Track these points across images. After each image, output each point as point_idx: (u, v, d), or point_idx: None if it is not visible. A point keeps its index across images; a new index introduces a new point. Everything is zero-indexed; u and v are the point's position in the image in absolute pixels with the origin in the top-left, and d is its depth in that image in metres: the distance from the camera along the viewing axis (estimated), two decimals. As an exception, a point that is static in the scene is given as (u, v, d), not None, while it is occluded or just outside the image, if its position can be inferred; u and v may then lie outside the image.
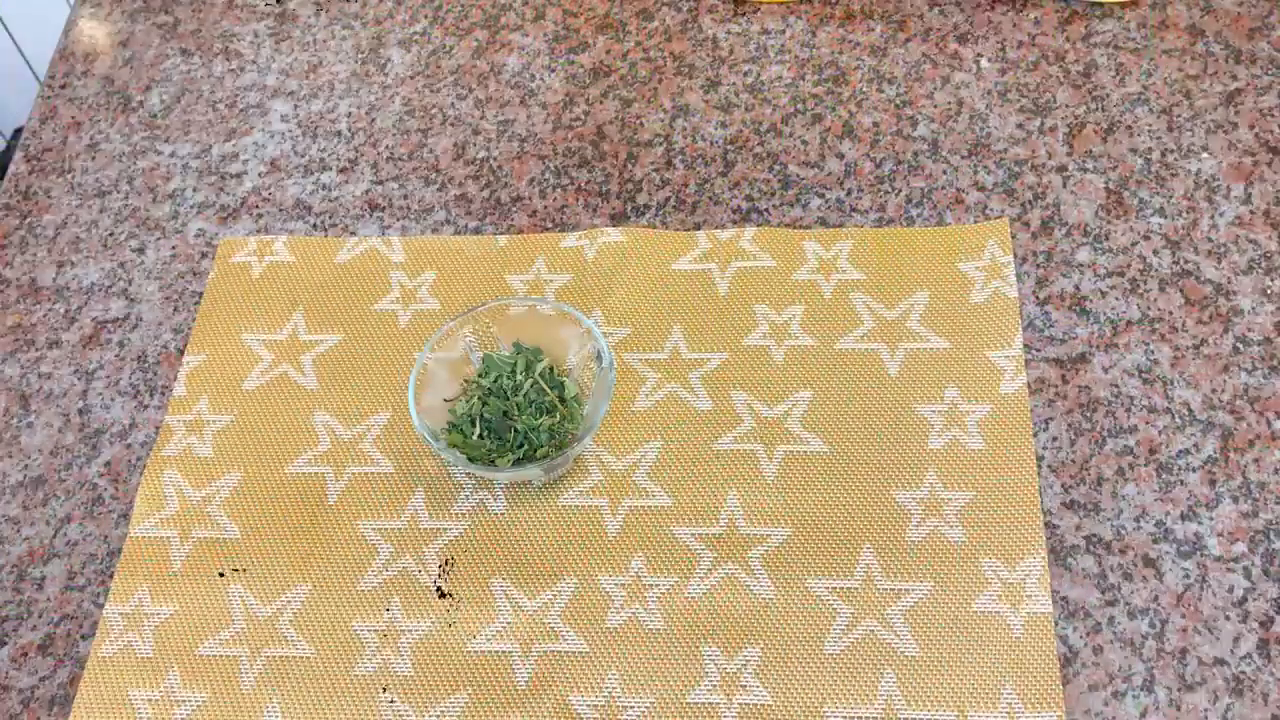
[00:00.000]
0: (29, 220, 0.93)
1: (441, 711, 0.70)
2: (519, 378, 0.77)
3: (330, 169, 0.93)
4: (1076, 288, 0.81)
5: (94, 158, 0.96)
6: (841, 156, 0.88)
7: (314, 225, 0.90)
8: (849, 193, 0.87)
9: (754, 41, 0.95)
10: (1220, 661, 0.67)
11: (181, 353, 0.85)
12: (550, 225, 0.88)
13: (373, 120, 0.95)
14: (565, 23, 0.99)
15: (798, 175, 0.88)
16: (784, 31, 0.96)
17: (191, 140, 0.96)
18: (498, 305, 0.79)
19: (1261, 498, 0.72)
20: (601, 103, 0.94)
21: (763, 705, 0.68)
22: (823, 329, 0.81)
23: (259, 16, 1.03)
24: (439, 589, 0.74)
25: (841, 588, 0.72)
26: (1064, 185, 0.85)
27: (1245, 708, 0.66)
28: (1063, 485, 0.74)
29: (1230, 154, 0.85)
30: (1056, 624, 0.69)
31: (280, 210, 0.91)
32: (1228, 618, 0.69)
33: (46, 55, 1.59)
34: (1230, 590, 0.69)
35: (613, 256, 0.85)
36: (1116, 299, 0.80)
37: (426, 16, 1.01)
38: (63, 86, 1.01)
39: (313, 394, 0.82)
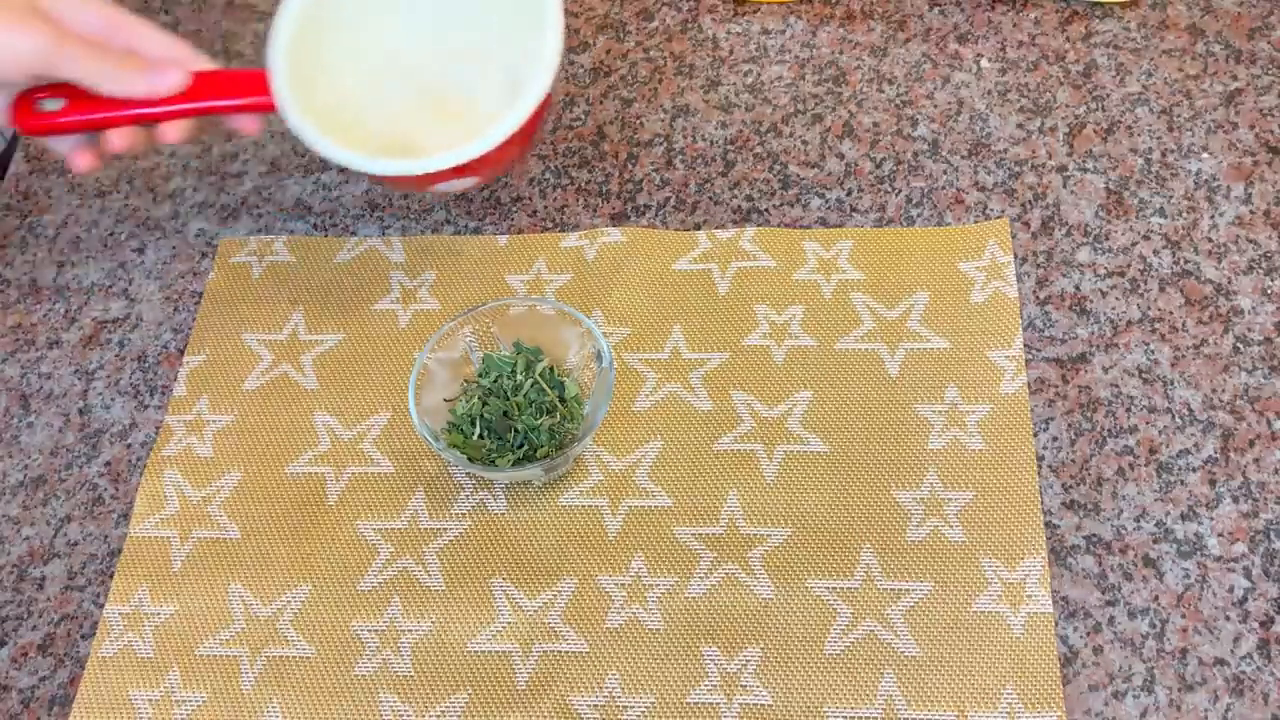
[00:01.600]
0: (29, 220, 0.93)
1: (441, 711, 0.70)
2: (519, 378, 0.77)
3: (330, 169, 0.93)
4: (1077, 288, 0.81)
5: (94, 158, 0.96)
6: (841, 156, 0.88)
7: (314, 225, 0.90)
8: (849, 193, 0.87)
9: (754, 41, 0.95)
10: (1220, 661, 0.67)
11: (181, 353, 0.85)
12: (550, 225, 0.88)
13: (373, 120, 0.95)
14: (565, 23, 0.99)
15: (798, 175, 0.88)
16: (784, 31, 0.96)
17: (191, 140, 0.96)
18: (498, 305, 0.79)
19: (1261, 498, 0.72)
20: (601, 103, 0.94)
21: (763, 705, 0.68)
22: (823, 329, 0.81)
23: (259, 16, 1.03)
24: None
25: (841, 588, 0.72)
26: (1064, 185, 0.85)
27: (1245, 708, 0.66)
28: (1063, 485, 0.74)
29: (1230, 154, 0.85)
30: (1056, 624, 0.69)
31: (280, 210, 0.91)
32: (1228, 618, 0.69)
33: (46, 55, 1.59)
34: (1230, 590, 0.69)
35: (613, 256, 0.85)
36: (1116, 299, 0.80)
37: (426, 16, 1.01)
38: (63, 86, 1.01)
39: (313, 394, 0.82)
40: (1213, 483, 0.73)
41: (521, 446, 0.75)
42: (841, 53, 0.94)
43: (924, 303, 0.81)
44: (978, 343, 0.79)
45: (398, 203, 0.90)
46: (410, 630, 0.73)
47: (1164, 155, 0.86)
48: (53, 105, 0.69)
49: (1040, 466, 0.74)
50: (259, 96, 0.72)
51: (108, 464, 0.81)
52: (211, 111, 0.72)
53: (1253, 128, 0.86)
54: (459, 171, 0.71)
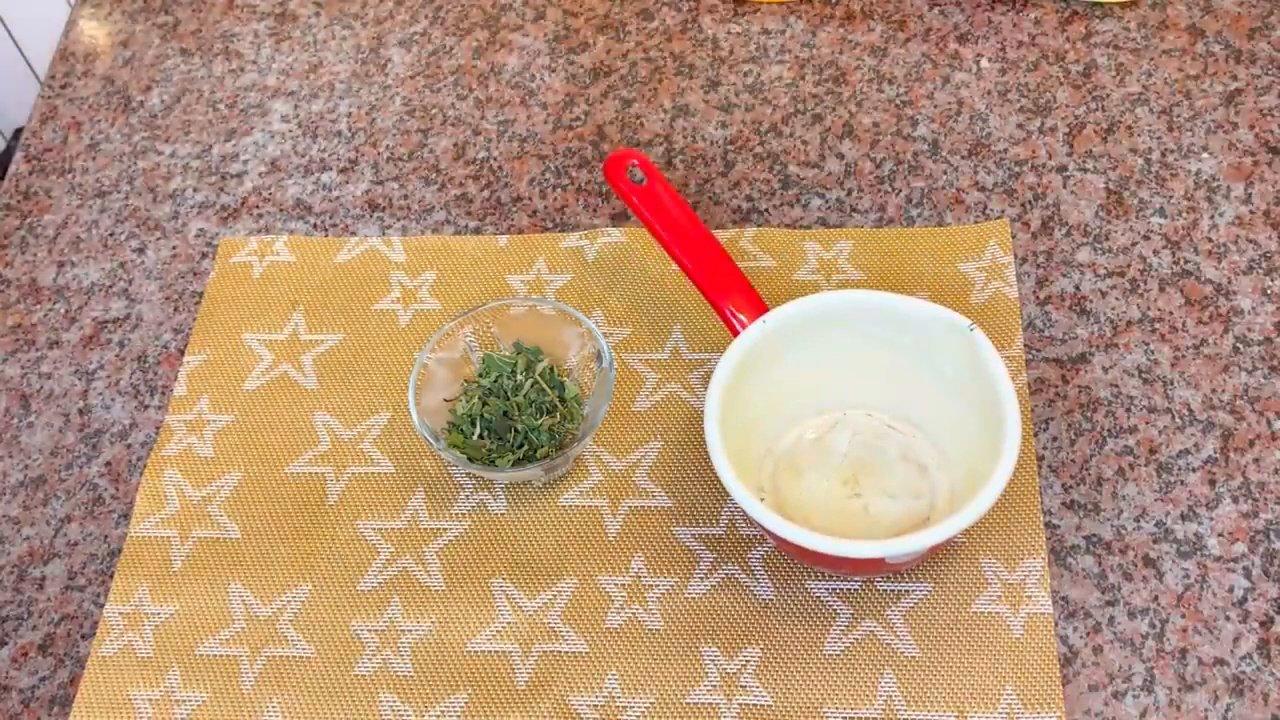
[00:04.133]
0: (29, 220, 0.93)
1: (441, 711, 0.70)
2: (519, 378, 0.77)
3: (330, 169, 0.93)
4: (1076, 288, 0.81)
5: (94, 158, 0.96)
6: (841, 156, 0.88)
7: (314, 225, 0.90)
8: (849, 193, 0.87)
9: (754, 41, 0.95)
10: (1220, 661, 0.67)
11: (182, 353, 0.85)
12: (550, 225, 0.88)
13: (373, 120, 0.95)
14: (565, 23, 0.99)
15: (798, 175, 0.88)
16: (784, 31, 0.96)
17: (192, 140, 0.96)
18: (498, 305, 0.79)
19: (1261, 498, 0.72)
20: (601, 103, 0.94)
21: (763, 706, 0.68)
22: (823, 329, 0.81)
23: (259, 16, 1.03)
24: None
25: (841, 588, 0.72)
26: (1064, 185, 0.85)
27: (1245, 708, 0.66)
28: (1063, 485, 0.74)
29: (1230, 154, 0.85)
30: (1056, 624, 0.69)
31: (280, 210, 0.91)
32: (1228, 618, 0.69)
33: (46, 55, 1.59)
34: (1230, 590, 0.69)
35: (613, 256, 0.85)
36: (1116, 299, 0.80)
37: (426, 16, 1.01)
38: (63, 86, 1.01)
39: (313, 394, 0.82)
40: (1213, 483, 0.73)
41: (521, 446, 0.75)
42: (841, 53, 0.94)
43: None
44: (978, 343, 0.79)
45: (398, 203, 0.90)
46: (410, 630, 0.73)
47: (1164, 155, 0.86)
48: (636, 178, 0.78)
49: (1040, 466, 0.74)
50: (735, 316, 0.74)
51: (108, 464, 0.81)
52: (698, 286, 0.75)
53: (1253, 128, 0.86)
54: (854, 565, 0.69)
